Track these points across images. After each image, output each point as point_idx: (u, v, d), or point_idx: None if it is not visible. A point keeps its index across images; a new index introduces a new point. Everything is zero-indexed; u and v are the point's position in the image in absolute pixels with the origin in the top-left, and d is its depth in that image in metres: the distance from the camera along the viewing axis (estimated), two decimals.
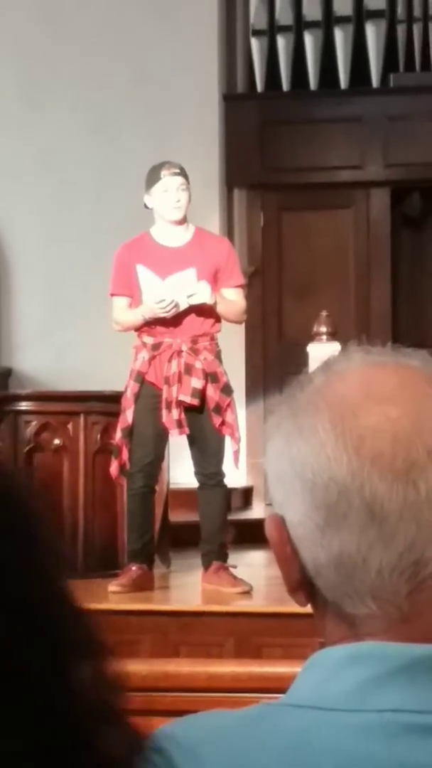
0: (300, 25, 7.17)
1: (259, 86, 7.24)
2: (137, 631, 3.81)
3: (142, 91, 6.89)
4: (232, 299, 4.35)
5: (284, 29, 7.16)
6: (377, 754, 0.73)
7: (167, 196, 4.29)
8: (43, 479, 4.66)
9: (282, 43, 7.16)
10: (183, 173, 4.34)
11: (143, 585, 4.23)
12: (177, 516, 5.06)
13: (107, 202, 6.88)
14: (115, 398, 4.77)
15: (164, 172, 4.31)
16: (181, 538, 4.94)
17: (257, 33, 7.20)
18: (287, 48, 7.16)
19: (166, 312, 4.17)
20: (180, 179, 4.31)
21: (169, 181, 4.29)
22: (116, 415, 4.66)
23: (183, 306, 4.18)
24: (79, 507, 4.66)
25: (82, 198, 6.91)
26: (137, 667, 1.97)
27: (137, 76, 6.89)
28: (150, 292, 4.23)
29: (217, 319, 4.33)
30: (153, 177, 4.34)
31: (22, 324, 6.99)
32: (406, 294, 7.37)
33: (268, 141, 7.13)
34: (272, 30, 7.19)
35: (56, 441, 4.68)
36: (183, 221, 4.36)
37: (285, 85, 7.19)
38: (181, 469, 4.81)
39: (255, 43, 7.21)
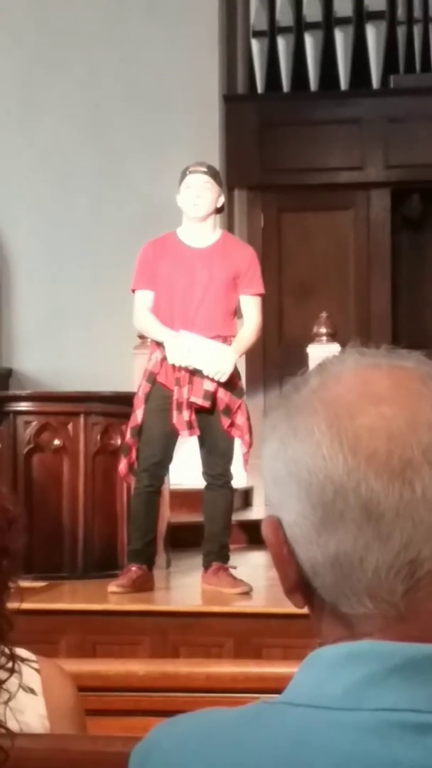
0: (300, 26, 7.18)
1: (260, 87, 7.25)
2: (137, 632, 3.81)
3: (143, 92, 6.90)
4: (247, 310, 4.33)
5: (284, 30, 7.17)
6: (372, 753, 0.73)
7: (188, 193, 4.28)
8: (42, 480, 4.66)
9: (282, 44, 7.17)
10: (210, 173, 4.32)
11: (143, 586, 4.23)
12: (177, 516, 5.06)
13: (107, 203, 6.89)
14: (116, 399, 4.77)
15: (191, 169, 4.32)
16: (181, 539, 4.94)
17: (257, 34, 7.21)
18: (287, 49, 7.17)
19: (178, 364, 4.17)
20: (204, 177, 4.28)
21: (193, 179, 4.28)
22: (116, 415, 4.67)
23: (197, 366, 4.17)
24: (79, 507, 4.65)
25: (82, 198, 6.92)
26: (136, 668, 1.97)
27: (137, 77, 6.90)
28: (177, 344, 4.19)
29: (233, 322, 4.33)
30: (182, 175, 4.34)
31: (22, 325, 6.99)
32: (405, 295, 7.38)
33: (268, 142, 7.14)
34: (272, 31, 7.19)
35: (56, 441, 4.68)
36: (205, 220, 4.31)
37: (285, 86, 7.20)
38: (182, 470, 4.81)
39: (255, 44, 7.21)
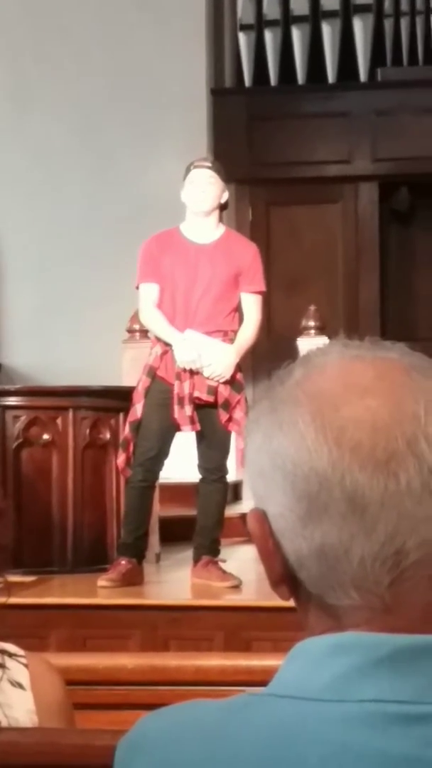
0: (287, 19, 7.18)
1: (247, 81, 7.24)
2: (127, 626, 3.81)
3: (131, 86, 6.89)
4: (247, 308, 4.32)
5: (272, 24, 7.17)
6: (359, 744, 0.73)
7: (193, 188, 4.26)
8: (32, 474, 4.66)
9: (270, 37, 7.16)
10: (215, 168, 4.31)
11: (132, 579, 4.23)
12: (167, 510, 5.05)
13: (97, 198, 6.87)
14: (105, 393, 4.77)
15: (195, 164, 4.30)
16: (171, 533, 4.94)
17: (245, 27, 7.20)
18: (275, 42, 7.16)
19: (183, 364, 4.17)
20: (208, 172, 4.26)
21: (196, 174, 4.26)
22: (105, 409, 4.67)
23: (200, 368, 4.16)
24: (68, 502, 4.65)
25: (72, 194, 6.90)
26: (124, 661, 1.97)
27: (125, 71, 6.88)
28: (186, 348, 4.18)
29: (235, 318, 4.32)
30: (186, 171, 4.32)
31: (11, 319, 6.98)
32: (394, 288, 7.38)
33: (256, 136, 7.13)
34: (260, 24, 7.19)
35: (45, 436, 4.67)
36: (209, 215, 4.28)
37: (273, 79, 7.20)
38: (171, 463, 4.81)
39: (243, 38, 7.21)
